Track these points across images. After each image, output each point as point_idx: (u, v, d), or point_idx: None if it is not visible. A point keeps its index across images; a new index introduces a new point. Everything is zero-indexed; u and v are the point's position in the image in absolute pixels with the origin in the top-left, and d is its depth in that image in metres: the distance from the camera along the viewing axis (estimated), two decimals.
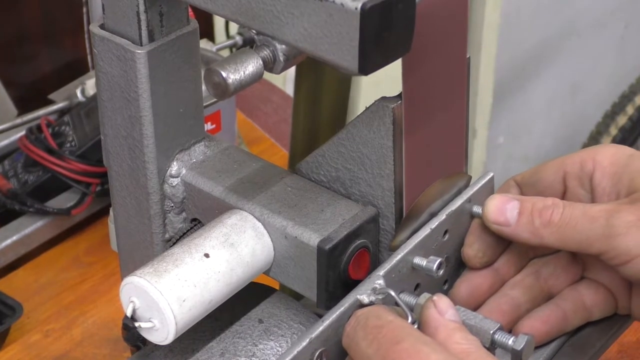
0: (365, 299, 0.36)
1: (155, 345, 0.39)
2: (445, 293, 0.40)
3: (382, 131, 0.39)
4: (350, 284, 0.40)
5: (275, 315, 0.42)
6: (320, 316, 0.43)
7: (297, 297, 0.44)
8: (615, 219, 0.37)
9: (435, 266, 0.37)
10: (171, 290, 0.37)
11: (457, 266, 0.41)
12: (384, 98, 0.39)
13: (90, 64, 0.81)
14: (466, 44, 0.39)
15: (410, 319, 0.35)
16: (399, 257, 0.37)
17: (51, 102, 0.74)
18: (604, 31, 1.54)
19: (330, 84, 0.54)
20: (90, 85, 0.73)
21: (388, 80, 0.49)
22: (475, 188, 0.41)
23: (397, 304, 0.36)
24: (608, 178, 0.39)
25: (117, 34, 0.40)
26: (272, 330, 0.42)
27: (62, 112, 0.73)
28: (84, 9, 0.77)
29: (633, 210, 0.37)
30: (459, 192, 0.40)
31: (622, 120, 1.43)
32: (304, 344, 0.34)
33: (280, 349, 0.41)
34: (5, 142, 0.72)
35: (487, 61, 1.34)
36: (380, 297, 0.36)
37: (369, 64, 0.33)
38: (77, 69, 0.81)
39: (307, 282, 0.40)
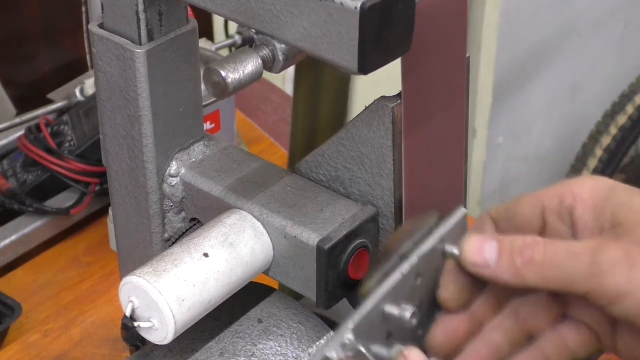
0: (334, 356, 0.34)
1: (155, 345, 0.39)
2: (420, 339, 0.38)
3: (382, 131, 0.39)
4: (349, 284, 0.40)
5: (275, 315, 0.42)
6: (319, 316, 0.43)
7: (297, 297, 0.44)
8: (601, 256, 0.35)
9: (408, 316, 0.35)
10: (170, 290, 0.37)
11: (432, 309, 0.39)
12: (383, 98, 0.39)
13: (89, 64, 0.81)
14: (466, 43, 0.39)
15: None
16: (369, 307, 0.35)
17: (50, 102, 0.74)
18: (604, 31, 1.54)
19: (330, 84, 0.54)
20: (89, 84, 0.73)
21: (388, 79, 0.49)
22: (448, 226, 0.38)
23: (367, 359, 0.34)
24: (589, 212, 0.37)
25: (117, 33, 0.40)
26: (272, 330, 0.42)
27: (61, 112, 0.73)
28: (84, 9, 0.77)
29: (619, 247, 0.35)
30: (430, 231, 0.38)
31: (622, 119, 1.43)
32: None
33: (279, 349, 0.41)
34: (5, 141, 0.72)
35: (487, 61, 1.34)
36: (350, 353, 0.34)
37: (368, 64, 0.33)
38: (76, 68, 0.81)
39: (307, 282, 0.40)
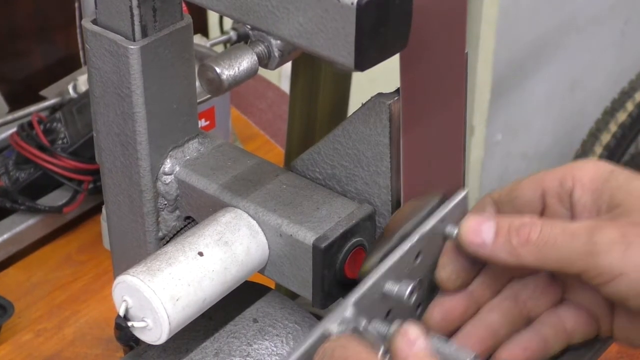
0: (334, 328, 0.34)
1: (149, 344, 0.38)
2: (419, 317, 0.39)
3: (379, 128, 0.39)
4: (346, 283, 0.40)
5: (270, 315, 0.42)
6: (315, 315, 0.43)
7: (293, 296, 0.44)
8: (597, 235, 0.35)
9: (407, 293, 0.36)
10: (164, 289, 0.37)
11: (431, 289, 0.39)
12: (380, 94, 0.39)
13: (82, 60, 0.81)
14: (465, 39, 0.39)
15: (381, 350, 0.34)
16: (369, 284, 0.36)
17: (43, 99, 0.74)
18: (604, 27, 1.54)
19: (327, 80, 0.54)
20: (82, 81, 0.72)
21: (385, 76, 0.49)
22: (448, 207, 0.39)
23: (367, 334, 0.35)
24: (588, 194, 0.38)
25: (110, 29, 0.40)
26: (267, 329, 0.41)
27: (53, 109, 0.72)
28: (76, 4, 0.77)
29: (615, 227, 0.35)
30: (431, 212, 0.39)
31: (621, 116, 1.43)
32: None
33: (275, 349, 0.41)
34: None
35: (484, 57, 1.34)
36: (350, 326, 0.35)
37: (365, 60, 0.33)
38: (69, 65, 0.80)
39: (303, 281, 0.40)
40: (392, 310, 0.37)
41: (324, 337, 0.34)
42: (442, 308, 0.39)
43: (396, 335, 0.34)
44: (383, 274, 0.36)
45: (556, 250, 0.36)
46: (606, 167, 0.38)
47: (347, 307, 0.35)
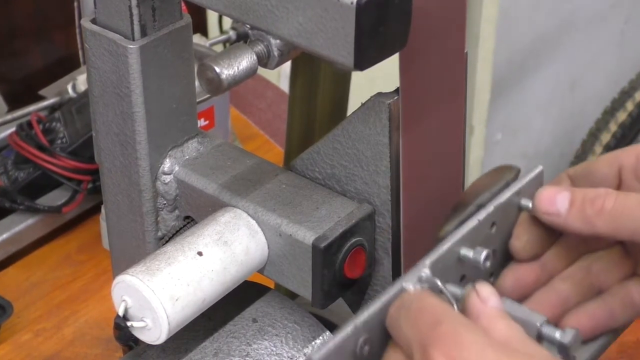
0: (410, 287, 0.35)
1: (148, 344, 0.38)
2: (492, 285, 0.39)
3: (378, 127, 0.39)
4: (345, 283, 0.40)
5: (270, 315, 0.42)
6: (315, 315, 0.43)
7: (292, 296, 0.44)
8: None
9: (482, 257, 0.37)
10: (164, 289, 0.37)
11: (504, 260, 0.41)
12: (380, 94, 0.39)
13: (81, 60, 0.81)
14: (465, 38, 0.39)
15: (455, 309, 0.35)
16: (445, 247, 0.37)
17: (42, 98, 0.73)
18: (604, 26, 1.54)
19: (326, 80, 0.54)
20: (81, 80, 0.72)
21: (384, 75, 0.49)
22: (525, 181, 0.40)
23: (442, 293, 0.36)
24: None
25: (109, 28, 0.40)
26: (267, 329, 0.41)
27: (53, 108, 0.72)
28: (75, 4, 0.77)
29: None
30: (507, 185, 0.40)
31: (621, 116, 1.43)
32: (349, 330, 0.34)
33: (274, 349, 0.41)
34: None
35: (484, 56, 1.34)
36: (425, 285, 0.36)
37: (365, 59, 0.32)
38: (68, 64, 0.80)
39: (302, 281, 0.40)
40: (466, 277, 0.38)
41: (401, 294, 0.36)
42: (515, 275, 0.40)
43: (469, 292, 0.35)
44: (459, 239, 0.37)
45: (630, 220, 0.37)
46: None
47: (423, 268, 0.36)
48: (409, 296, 0.35)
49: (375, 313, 0.35)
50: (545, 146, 1.56)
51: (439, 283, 0.36)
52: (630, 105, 1.44)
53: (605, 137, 1.43)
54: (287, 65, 0.47)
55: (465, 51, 0.40)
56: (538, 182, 0.41)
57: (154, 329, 0.37)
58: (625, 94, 1.46)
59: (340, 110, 0.56)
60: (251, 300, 0.43)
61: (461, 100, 0.40)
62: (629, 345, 0.54)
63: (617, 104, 1.45)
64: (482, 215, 0.39)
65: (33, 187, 0.67)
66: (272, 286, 0.45)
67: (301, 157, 0.42)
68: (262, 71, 0.38)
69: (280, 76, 1.01)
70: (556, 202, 0.38)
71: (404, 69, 0.37)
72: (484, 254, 0.37)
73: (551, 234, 0.40)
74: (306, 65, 0.54)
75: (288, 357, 0.41)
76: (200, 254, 0.38)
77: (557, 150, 1.56)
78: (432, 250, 0.37)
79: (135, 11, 0.39)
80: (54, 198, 0.67)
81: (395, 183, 0.40)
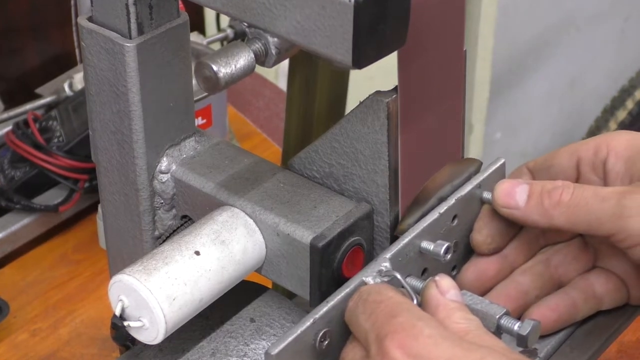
0: (370, 280, 0.35)
1: (145, 344, 0.38)
2: (453, 279, 0.39)
3: (377, 126, 0.39)
4: (343, 283, 0.39)
5: (267, 314, 0.42)
6: None
7: (290, 295, 0.44)
8: (628, 200, 0.36)
9: (442, 250, 0.37)
10: (161, 289, 0.36)
11: (466, 253, 0.41)
12: (378, 92, 0.38)
13: (78, 58, 0.80)
14: (463, 36, 0.39)
15: (415, 302, 0.35)
16: (406, 240, 0.37)
17: (38, 97, 0.73)
18: (604, 24, 1.54)
19: (324, 78, 0.54)
20: (78, 79, 0.72)
21: (382, 74, 0.49)
22: (486, 174, 0.40)
23: (403, 287, 0.36)
24: (622, 162, 0.39)
25: (106, 26, 0.39)
26: (264, 329, 0.41)
27: (49, 107, 0.72)
28: (72, 2, 0.76)
29: None
30: (469, 178, 0.40)
31: (621, 115, 1.43)
32: (308, 324, 0.34)
33: None
34: None
35: (483, 54, 1.33)
36: (385, 279, 0.36)
37: (363, 57, 0.32)
38: (64, 62, 0.80)
39: (300, 281, 0.40)
40: (428, 270, 0.38)
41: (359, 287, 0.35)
42: (476, 268, 0.40)
43: (429, 284, 0.35)
44: (419, 232, 0.37)
45: (587, 212, 0.37)
46: None
47: (383, 262, 0.36)
48: (366, 289, 0.35)
49: (334, 306, 0.35)
50: (544, 145, 1.56)
51: (399, 276, 0.36)
52: (630, 104, 1.44)
53: None
54: (285, 64, 0.47)
55: (464, 49, 0.39)
56: (500, 174, 0.41)
57: (151, 328, 0.37)
58: (625, 92, 1.46)
59: (339, 109, 0.56)
60: (249, 300, 0.42)
61: (460, 99, 0.40)
62: (629, 345, 0.54)
63: (617, 103, 1.45)
64: (443, 208, 0.38)
65: (29, 186, 0.67)
66: (269, 286, 0.45)
67: (299, 156, 0.42)
68: (259, 69, 0.38)
69: (278, 74, 1.00)
70: (515, 194, 0.38)
71: (403, 67, 0.37)
72: (444, 246, 0.37)
73: (512, 227, 0.40)
74: (304, 63, 0.54)
75: None
76: (197, 253, 0.38)
77: (557, 148, 1.56)
78: (392, 244, 0.37)
79: (132, 9, 0.38)
80: (51, 197, 0.67)
81: (393, 182, 0.39)
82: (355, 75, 0.49)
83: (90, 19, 0.40)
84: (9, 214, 0.67)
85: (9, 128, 0.68)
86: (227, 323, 0.41)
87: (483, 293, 0.40)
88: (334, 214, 0.40)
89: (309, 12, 0.32)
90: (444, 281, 0.35)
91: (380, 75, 0.52)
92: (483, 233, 0.40)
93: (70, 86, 0.72)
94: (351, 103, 0.43)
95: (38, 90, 0.75)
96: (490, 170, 0.40)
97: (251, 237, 0.40)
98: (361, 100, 0.39)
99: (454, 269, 0.41)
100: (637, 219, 0.36)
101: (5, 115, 0.70)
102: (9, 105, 0.74)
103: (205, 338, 0.41)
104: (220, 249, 0.39)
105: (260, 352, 0.40)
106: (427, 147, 0.40)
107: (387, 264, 0.36)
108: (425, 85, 0.38)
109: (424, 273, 0.39)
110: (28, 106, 0.71)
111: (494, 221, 0.40)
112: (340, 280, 0.39)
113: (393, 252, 0.37)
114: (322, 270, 0.39)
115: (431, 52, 0.38)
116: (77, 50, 0.80)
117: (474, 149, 1.41)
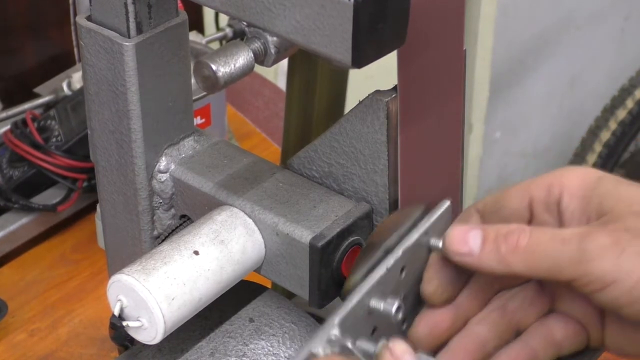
0: (320, 351, 0.33)
1: (144, 344, 0.38)
2: (405, 333, 0.38)
3: (376, 125, 0.38)
4: (343, 282, 0.39)
5: (267, 314, 0.42)
6: (312, 315, 0.43)
7: (289, 295, 0.44)
8: (589, 242, 0.34)
9: (394, 309, 0.35)
10: (160, 289, 0.36)
11: (416, 303, 0.39)
12: (378, 91, 0.38)
13: (76, 57, 0.80)
14: (463, 35, 0.39)
15: None
16: (354, 301, 0.35)
17: (37, 96, 0.73)
18: (604, 23, 1.53)
19: (324, 77, 0.54)
20: (76, 78, 0.72)
21: (382, 73, 0.49)
22: (432, 219, 0.38)
23: (353, 354, 0.34)
24: (577, 202, 0.37)
25: (105, 26, 0.39)
26: (263, 329, 0.41)
27: (47, 106, 0.72)
28: (70, 0, 0.76)
29: (607, 233, 0.34)
30: (414, 224, 0.38)
31: (621, 114, 1.42)
32: None
33: (271, 349, 0.40)
34: None
35: (483, 54, 1.33)
36: (336, 349, 0.34)
37: (362, 57, 0.32)
38: (63, 61, 0.80)
39: (299, 280, 0.40)
40: (378, 328, 0.36)
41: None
42: (428, 322, 0.38)
43: (383, 351, 0.33)
44: (367, 291, 0.35)
45: (546, 257, 0.35)
46: (594, 173, 0.37)
47: (332, 328, 0.34)
48: None
49: None
50: (544, 144, 1.56)
51: (349, 345, 0.34)
52: (630, 103, 1.43)
53: (605, 135, 1.43)
54: (284, 63, 0.47)
55: (464, 48, 0.39)
56: (447, 218, 0.38)
57: (149, 328, 0.36)
58: (625, 92, 1.45)
59: (338, 108, 0.56)
60: (248, 299, 0.42)
61: (460, 98, 0.40)
62: None
63: (616, 102, 1.45)
64: (390, 261, 0.36)
65: (28, 185, 0.67)
66: (269, 286, 0.45)
67: (298, 156, 0.42)
68: (259, 69, 0.38)
69: (278, 74, 1.00)
70: (468, 240, 0.36)
71: (402, 67, 0.37)
72: (395, 305, 0.35)
73: (463, 274, 0.38)
74: (303, 62, 0.54)
75: (285, 357, 0.40)
76: (196, 253, 0.38)
77: (557, 148, 1.56)
78: (340, 305, 0.35)
79: (131, 8, 0.38)
80: (49, 196, 0.67)
81: (393, 181, 0.39)
82: (354, 74, 0.49)
83: (88, 18, 0.40)
84: (7, 214, 0.67)
85: (7, 127, 0.68)
86: (226, 323, 0.41)
87: (438, 347, 0.38)
88: (333, 213, 0.40)
89: (309, 11, 0.32)
90: (398, 346, 0.33)
91: (379, 75, 0.51)
92: (433, 283, 0.37)
93: (69, 85, 0.72)
94: (351, 102, 0.43)
95: (36, 90, 0.75)
96: (436, 215, 0.38)
97: (250, 236, 0.40)
98: (361, 100, 0.39)
99: (404, 322, 0.38)
100: (599, 263, 0.34)
101: (3, 114, 0.70)
102: (7, 105, 0.74)
103: (204, 338, 0.41)
104: (219, 249, 0.39)
105: (259, 352, 0.40)
106: (426, 147, 0.40)
107: (336, 332, 0.34)
108: (425, 84, 0.38)
109: (374, 332, 0.36)
110: (26, 105, 0.71)
111: (444, 269, 0.37)
112: (339, 280, 0.39)
113: (341, 316, 0.34)
114: (321, 270, 0.39)
115: (431, 52, 0.38)
116: (75, 50, 0.80)
117: (473, 148, 1.41)
